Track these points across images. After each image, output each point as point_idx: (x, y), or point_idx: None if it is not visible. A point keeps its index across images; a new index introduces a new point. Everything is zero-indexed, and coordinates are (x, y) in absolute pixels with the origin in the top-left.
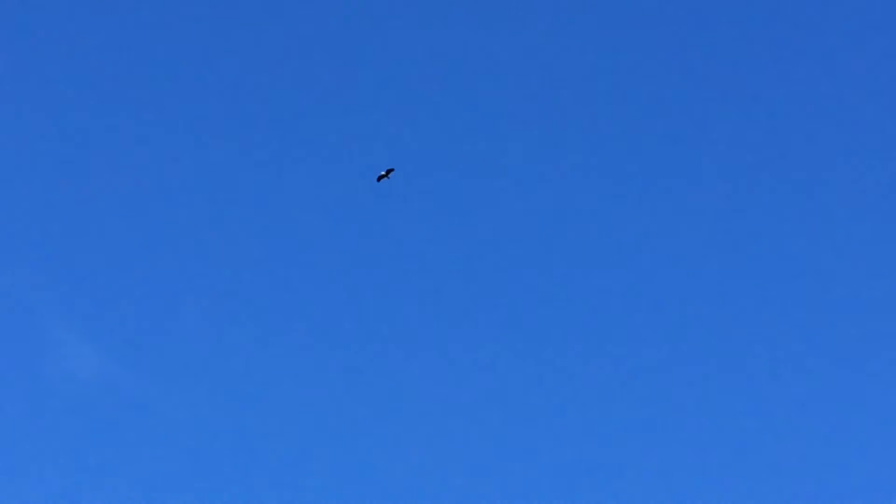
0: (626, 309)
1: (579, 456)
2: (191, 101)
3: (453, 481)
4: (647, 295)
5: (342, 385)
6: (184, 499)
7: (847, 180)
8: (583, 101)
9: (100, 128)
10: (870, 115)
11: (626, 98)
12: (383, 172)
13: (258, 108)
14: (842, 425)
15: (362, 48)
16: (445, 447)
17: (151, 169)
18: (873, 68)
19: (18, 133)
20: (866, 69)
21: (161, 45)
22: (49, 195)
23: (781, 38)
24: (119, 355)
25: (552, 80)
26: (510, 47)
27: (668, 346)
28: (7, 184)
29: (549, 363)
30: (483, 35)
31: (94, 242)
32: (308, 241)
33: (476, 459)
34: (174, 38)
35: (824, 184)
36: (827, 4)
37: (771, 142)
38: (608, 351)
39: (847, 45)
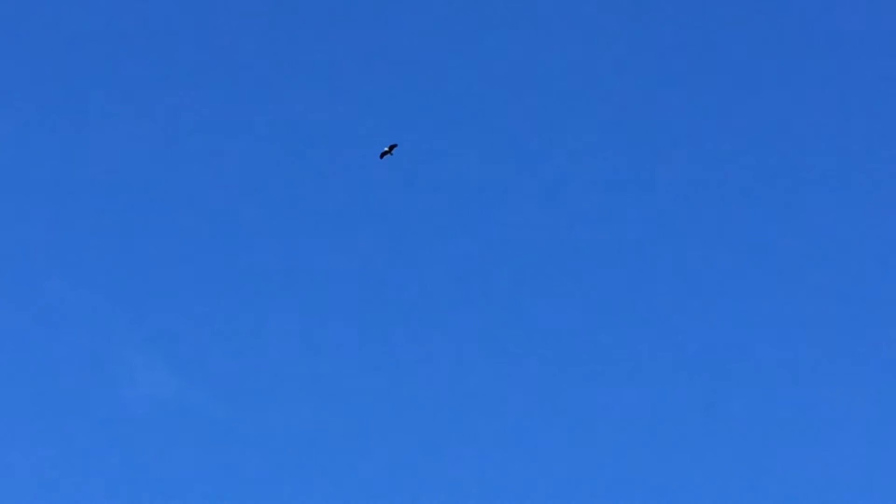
0: (627, 309)
1: (579, 456)
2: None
3: (459, 480)
4: (651, 295)
5: (419, 409)
6: None
7: (849, 181)
8: (588, 97)
9: (170, 153)
10: (871, 115)
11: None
12: (386, 149)
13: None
14: (842, 426)
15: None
16: (457, 447)
17: (226, 190)
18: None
19: (86, 159)
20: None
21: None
22: (122, 218)
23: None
24: (195, 378)
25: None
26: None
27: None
28: (76, 207)
29: (550, 363)
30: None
31: (168, 264)
32: (396, 257)
33: (479, 460)
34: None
35: (826, 185)
36: (828, 4)
37: (773, 143)
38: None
39: (849, 45)
